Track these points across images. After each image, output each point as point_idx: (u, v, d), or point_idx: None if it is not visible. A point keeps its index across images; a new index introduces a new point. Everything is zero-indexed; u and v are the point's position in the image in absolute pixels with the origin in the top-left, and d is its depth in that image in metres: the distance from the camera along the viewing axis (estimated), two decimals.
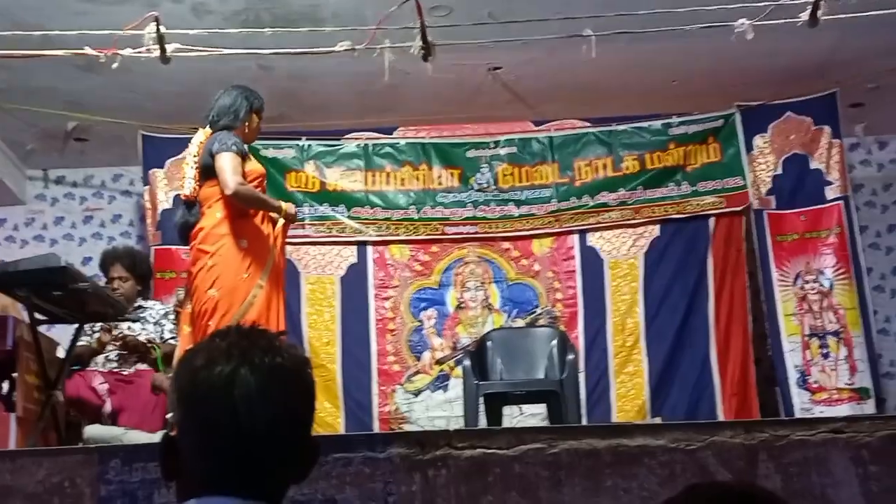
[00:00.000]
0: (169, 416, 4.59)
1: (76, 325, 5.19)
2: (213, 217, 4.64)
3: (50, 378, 4.91)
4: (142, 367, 5.73)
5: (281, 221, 4.83)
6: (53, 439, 4.92)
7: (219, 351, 1.48)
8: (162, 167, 7.49)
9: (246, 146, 4.81)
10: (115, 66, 5.34)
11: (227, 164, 4.57)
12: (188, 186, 4.77)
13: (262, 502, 1.46)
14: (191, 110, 7.27)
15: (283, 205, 4.90)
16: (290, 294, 7.30)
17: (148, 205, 7.50)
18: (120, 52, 5.31)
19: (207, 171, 4.68)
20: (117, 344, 5.70)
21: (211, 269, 4.57)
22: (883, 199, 8.40)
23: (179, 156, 7.40)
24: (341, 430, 6.98)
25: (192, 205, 4.78)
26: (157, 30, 5.20)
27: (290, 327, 7.13)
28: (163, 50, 5.25)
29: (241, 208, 4.65)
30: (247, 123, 4.88)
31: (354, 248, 7.50)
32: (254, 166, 4.87)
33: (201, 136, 4.84)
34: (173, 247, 7.29)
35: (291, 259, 7.42)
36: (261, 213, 4.75)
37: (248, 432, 1.44)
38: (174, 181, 7.45)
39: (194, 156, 4.80)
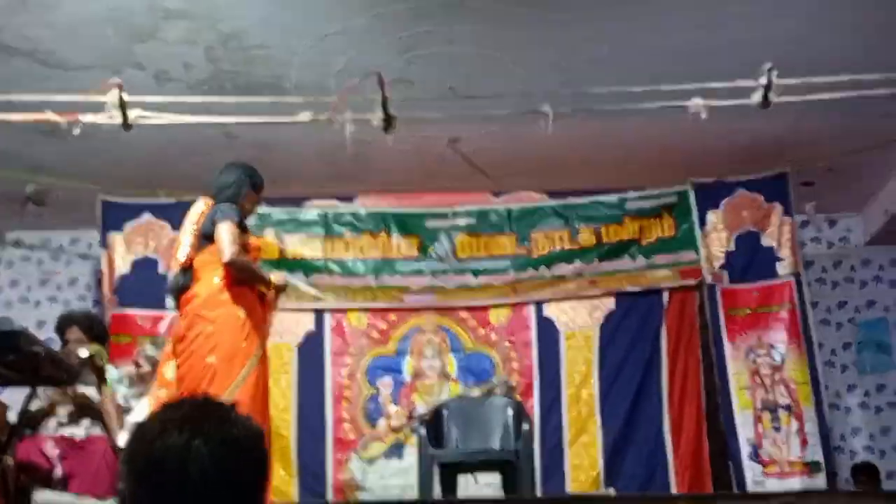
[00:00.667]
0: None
1: (28, 389, 5.14)
2: (210, 283, 4.66)
3: (0, 442, 4.85)
4: (94, 432, 5.66)
5: (271, 294, 4.87)
6: None
7: (172, 422, 1.49)
8: (121, 231, 7.47)
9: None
10: (76, 131, 5.35)
11: (226, 233, 4.64)
12: (183, 252, 4.80)
13: None
14: (152, 176, 7.35)
15: (273, 277, 4.94)
16: None
17: (105, 269, 7.47)
18: (81, 118, 5.32)
19: (207, 238, 4.73)
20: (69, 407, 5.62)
21: (210, 336, 4.56)
22: (833, 276, 8.56)
23: (139, 220, 7.45)
24: (295, 498, 6.93)
25: (186, 270, 4.79)
26: (120, 97, 5.22)
27: None
28: (125, 117, 5.26)
29: (237, 277, 4.67)
30: (246, 199, 4.94)
31: (312, 315, 7.50)
32: (251, 240, 4.97)
33: (202, 205, 4.91)
34: (129, 311, 7.27)
35: None
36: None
37: (201, 502, 1.45)
38: (133, 246, 7.44)
39: (193, 223, 4.85)
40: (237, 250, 4.62)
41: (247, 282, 4.72)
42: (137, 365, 5.45)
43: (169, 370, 4.81)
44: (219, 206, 4.80)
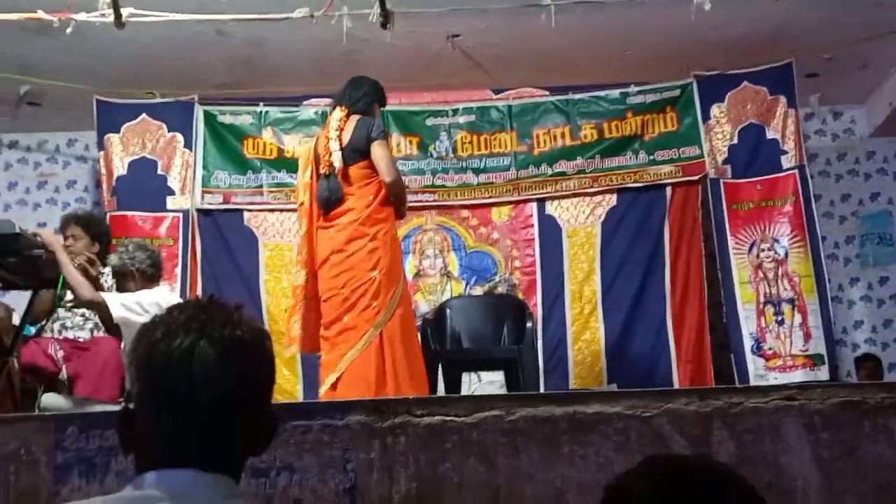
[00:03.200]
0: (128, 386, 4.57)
1: (31, 292, 5.14)
2: (367, 198, 4.84)
3: (5, 345, 4.87)
4: (98, 333, 5.67)
5: None
6: (9, 406, 4.88)
7: (177, 324, 1.49)
8: (117, 132, 7.40)
9: None
10: (68, 30, 5.26)
11: (383, 152, 4.83)
12: (337, 160, 4.88)
13: (221, 474, 1.47)
14: (146, 75, 7.25)
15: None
16: (249, 261, 7.32)
17: (103, 170, 7.42)
18: (73, 16, 5.23)
19: (359, 153, 4.85)
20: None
21: (373, 252, 4.78)
22: (837, 169, 8.52)
23: (135, 120, 7.37)
24: (300, 397, 6.98)
25: (336, 181, 4.90)
26: None
27: (249, 294, 7.16)
28: (117, 15, 5.18)
29: (391, 196, 4.86)
30: (374, 112, 5.09)
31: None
32: None
33: (339, 114, 4.99)
34: (129, 213, 7.25)
35: (250, 226, 7.41)
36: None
37: (207, 405, 1.45)
38: (130, 146, 7.38)
39: (336, 131, 4.93)
40: (397, 170, 4.89)
41: (395, 202, 4.91)
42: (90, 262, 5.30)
43: (299, 277, 5.06)
44: (370, 122, 4.95)
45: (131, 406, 1.52)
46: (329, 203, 4.90)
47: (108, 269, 5.38)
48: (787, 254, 7.22)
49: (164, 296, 5.11)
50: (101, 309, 4.86)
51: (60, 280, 4.79)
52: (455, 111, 7.63)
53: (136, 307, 4.85)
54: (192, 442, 1.46)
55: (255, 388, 1.53)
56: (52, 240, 5.02)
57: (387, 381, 4.75)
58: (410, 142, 7.53)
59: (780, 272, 7.20)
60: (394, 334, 4.81)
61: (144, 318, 4.76)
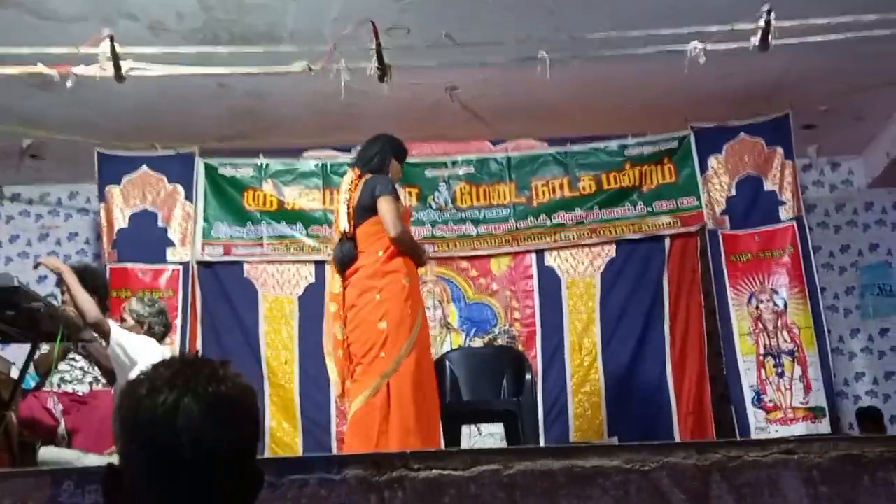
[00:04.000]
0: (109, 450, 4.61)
1: (30, 345, 5.13)
2: (375, 254, 4.97)
3: (3, 398, 4.85)
4: (98, 387, 5.66)
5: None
6: (6, 461, 4.86)
7: (162, 380, 1.49)
8: (118, 184, 7.44)
9: None
10: (69, 84, 5.30)
11: (388, 207, 4.95)
12: (344, 223, 5.06)
13: None
14: (147, 128, 7.30)
15: (426, 249, 5.32)
16: (249, 313, 7.31)
17: (104, 223, 7.44)
18: (74, 70, 5.27)
19: (367, 210, 5.00)
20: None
21: (380, 304, 4.88)
22: (836, 220, 8.53)
23: (136, 172, 7.41)
24: (299, 450, 6.95)
25: (349, 241, 5.05)
26: (112, 48, 5.17)
27: (248, 346, 7.15)
28: (118, 69, 5.22)
29: (400, 249, 4.98)
30: (391, 169, 5.20)
31: (312, 267, 7.47)
32: (403, 209, 5.19)
33: (351, 175, 5.18)
34: (129, 265, 7.25)
35: (250, 278, 7.41)
36: None
37: (192, 461, 1.44)
38: (131, 199, 7.41)
39: (346, 193, 5.11)
40: (402, 226, 4.96)
41: (408, 254, 5.01)
42: (122, 319, 5.43)
43: (338, 330, 5.15)
44: (377, 179, 5.07)
45: (116, 464, 1.51)
46: (343, 264, 5.04)
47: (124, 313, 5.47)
48: (786, 305, 7.22)
49: (158, 348, 5.17)
50: (103, 331, 5.04)
51: (60, 334, 4.81)
52: (454, 162, 7.67)
53: (133, 341, 5.06)
54: (181, 498, 1.46)
55: (240, 443, 1.52)
56: (58, 265, 5.08)
57: (390, 432, 4.79)
58: (409, 193, 7.55)
59: (779, 323, 7.20)
60: (403, 383, 4.84)
61: (134, 355, 4.77)
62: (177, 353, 5.99)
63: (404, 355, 4.83)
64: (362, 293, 4.94)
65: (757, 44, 5.25)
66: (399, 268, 4.97)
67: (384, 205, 4.95)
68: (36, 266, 4.85)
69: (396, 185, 5.22)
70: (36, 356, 5.35)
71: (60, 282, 5.55)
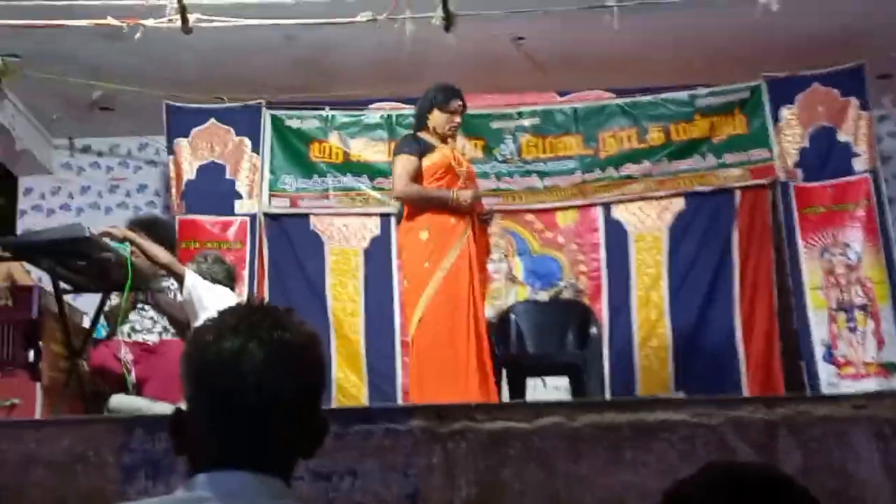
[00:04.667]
0: None
1: (100, 295, 5.23)
2: (402, 213, 5.27)
3: (75, 347, 4.95)
4: (167, 336, 5.75)
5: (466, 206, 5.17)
6: (79, 408, 4.97)
7: (227, 326, 1.50)
8: (187, 137, 7.49)
9: (436, 139, 5.28)
10: (137, 35, 5.34)
11: (396, 167, 5.23)
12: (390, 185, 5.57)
13: (271, 476, 1.48)
14: (214, 80, 7.33)
15: (453, 194, 5.17)
16: (315, 265, 7.36)
17: (173, 175, 7.51)
18: (142, 21, 5.31)
19: None
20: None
21: (404, 263, 5.26)
22: None
23: (204, 125, 7.46)
24: (364, 401, 7.01)
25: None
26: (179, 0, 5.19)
27: (314, 298, 7.21)
28: (185, 20, 5.25)
29: (415, 206, 5.19)
30: (435, 120, 5.27)
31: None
32: (436, 159, 5.24)
33: None
34: (198, 217, 7.33)
35: (316, 230, 7.45)
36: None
37: (256, 407, 1.46)
38: (199, 151, 7.47)
39: None
40: (403, 184, 5.15)
41: (427, 209, 5.14)
42: None
43: None
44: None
45: (183, 408, 1.53)
46: (398, 222, 5.39)
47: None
48: (859, 259, 7.07)
49: (231, 295, 5.23)
50: (176, 274, 5.19)
51: (128, 285, 4.88)
52: (520, 114, 7.60)
53: (207, 287, 5.18)
54: (243, 444, 1.48)
55: (305, 390, 1.53)
56: (123, 232, 5.17)
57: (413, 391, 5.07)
58: (475, 145, 7.51)
59: (852, 278, 7.05)
60: (421, 344, 5.05)
61: (207, 301, 4.86)
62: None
63: (420, 314, 5.01)
64: (398, 253, 5.35)
65: None
66: (417, 224, 5.14)
67: (395, 165, 5.24)
68: (102, 235, 4.92)
69: (450, 132, 5.30)
70: (106, 306, 5.45)
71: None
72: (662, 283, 7.29)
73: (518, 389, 6.05)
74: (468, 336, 5.02)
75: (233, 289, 5.54)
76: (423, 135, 5.31)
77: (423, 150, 5.24)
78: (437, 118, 5.26)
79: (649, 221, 7.43)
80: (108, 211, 8.37)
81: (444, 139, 5.30)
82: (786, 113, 7.34)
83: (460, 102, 5.33)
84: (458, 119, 5.33)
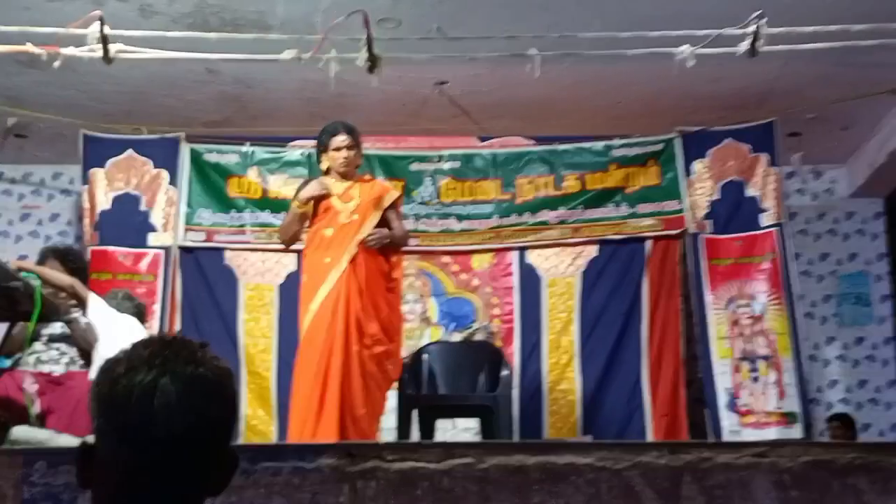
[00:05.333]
0: None
1: (6, 324, 5.12)
2: None
3: None
4: (74, 368, 5.64)
5: (308, 209, 5.30)
6: None
7: (140, 359, 1.48)
8: (103, 167, 7.40)
9: (337, 178, 5.34)
10: (56, 64, 5.27)
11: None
12: None
13: None
14: (134, 111, 7.28)
15: (294, 202, 5.37)
16: (228, 300, 7.31)
17: (86, 204, 7.41)
18: (62, 50, 5.25)
19: None
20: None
21: None
22: (816, 228, 8.59)
23: (121, 156, 7.39)
24: (273, 438, 6.95)
25: None
26: (101, 30, 5.15)
27: (226, 333, 7.15)
28: (106, 51, 5.20)
29: (289, 245, 5.54)
30: (323, 164, 5.40)
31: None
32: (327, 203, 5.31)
33: None
34: (110, 248, 7.23)
35: (230, 265, 7.41)
36: (315, 238, 5.26)
37: (166, 442, 1.44)
38: (115, 182, 7.39)
39: None
40: (280, 227, 5.53)
41: (294, 240, 5.46)
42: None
43: None
44: None
45: (90, 441, 1.51)
46: None
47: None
48: (764, 311, 7.25)
49: (136, 328, 5.19)
50: (79, 297, 5.17)
51: (36, 313, 4.79)
52: (440, 157, 7.67)
53: (112, 315, 5.16)
54: (150, 479, 1.45)
55: (217, 426, 1.52)
56: (29, 266, 5.10)
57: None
58: (394, 186, 7.54)
59: (756, 328, 7.23)
60: (292, 387, 5.23)
61: (109, 331, 4.80)
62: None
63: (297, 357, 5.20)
64: None
65: (746, 49, 5.28)
66: (303, 268, 5.37)
67: None
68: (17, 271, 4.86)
69: (342, 168, 5.30)
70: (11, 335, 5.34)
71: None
72: (573, 328, 7.39)
73: (428, 430, 6.06)
74: (320, 376, 4.97)
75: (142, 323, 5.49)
76: (325, 178, 5.37)
77: (303, 198, 5.36)
78: (329, 159, 5.32)
79: (563, 267, 7.53)
80: (18, 239, 8.23)
81: (344, 177, 5.31)
82: (698, 166, 7.52)
83: (343, 136, 5.30)
84: (344, 154, 5.28)
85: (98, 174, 7.39)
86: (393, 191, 5.63)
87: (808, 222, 8.58)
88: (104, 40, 5.20)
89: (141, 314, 5.57)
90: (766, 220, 7.40)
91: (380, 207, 5.30)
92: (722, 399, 7.15)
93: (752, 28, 5.20)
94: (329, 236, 5.20)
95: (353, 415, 4.95)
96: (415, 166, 7.63)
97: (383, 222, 5.29)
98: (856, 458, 3.42)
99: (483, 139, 7.76)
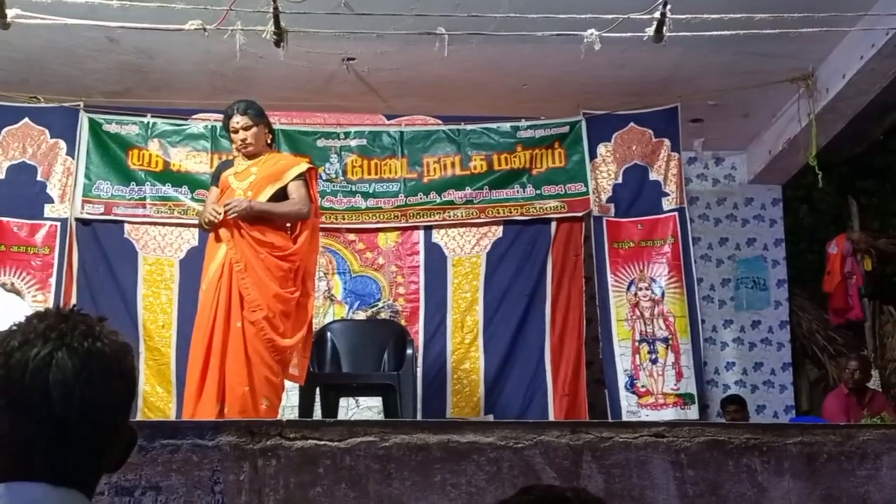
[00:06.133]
0: None
1: None
2: None
3: None
4: None
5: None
6: None
7: (36, 333, 1.44)
8: None
9: (231, 159, 5.50)
10: None
11: None
12: None
13: (72, 489, 1.43)
14: (31, 79, 7.08)
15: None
16: (127, 274, 7.16)
17: None
18: None
19: None
20: None
21: None
22: (716, 213, 8.77)
23: (17, 124, 7.17)
24: (173, 415, 6.84)
25: None
26: None
27: (125, 308, 7.00)
28: (3, 15, 5.03)
29: None
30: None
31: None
32: (222, 183, 5.34)
33: None
34: (4, 218, 7.03)
35: (130, 238, 7.25)
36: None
37: (62, 417, 1.40)
38: (10, 151, 7.17)
39: None
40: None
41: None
42: None
43: None
44: None
45: None
46: None
47: None
48: (663, 294, 7.38)
49: (16, 304, 5.10)
50: None
51: None
52: (347, 134, 7.61)
53: None
54: (45, 454, 1.41)
55: (114, 402, 1.48)
56: None
57: None
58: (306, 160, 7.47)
59: (655, 311, 7.36)
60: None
61: None
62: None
63: None
64: None
65: (651, 35, 5.35)
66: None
67: None
68: None
69: (240, 150, 5.31)
70: None
71: None
72: (478, 308, 7.42)
73: (331, 408, 6.04)
74: (202, 353, 4.99)
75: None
76: (232, 156, 5.44)
77: (221, 170, 5.44)
78: (231, 140, 5.36)
79: (468, 247, 7.55)
80: None
81: (248, 156, 5.30)
82: (602, 149, 7.60)
83: (237, 118, 5.25)
84: (241, 136, 5.25)
85: None
86: (302, 163, 5.51)
87: (708, 207, 8.76)
88: (1, 5, 5.03)
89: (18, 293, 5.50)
90: (667, 204, 7.53)
91: (280, 181, 5.23)
92: (621, 380, 7.26)
93: (657, 14, 5.26)
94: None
95: (235, 392, 4.89)
96: (321, 143, 7.56)
97: (284, 196, 5.21)
98: (750, 439, 3.51)
99: (389, 117, 7.73)
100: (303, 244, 5.23)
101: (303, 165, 5.43)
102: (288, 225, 5.28)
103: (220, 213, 5.03)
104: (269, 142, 5.40)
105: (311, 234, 5.34)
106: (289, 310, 5.11)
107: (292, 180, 5.24)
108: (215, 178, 5.46)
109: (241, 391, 4.89)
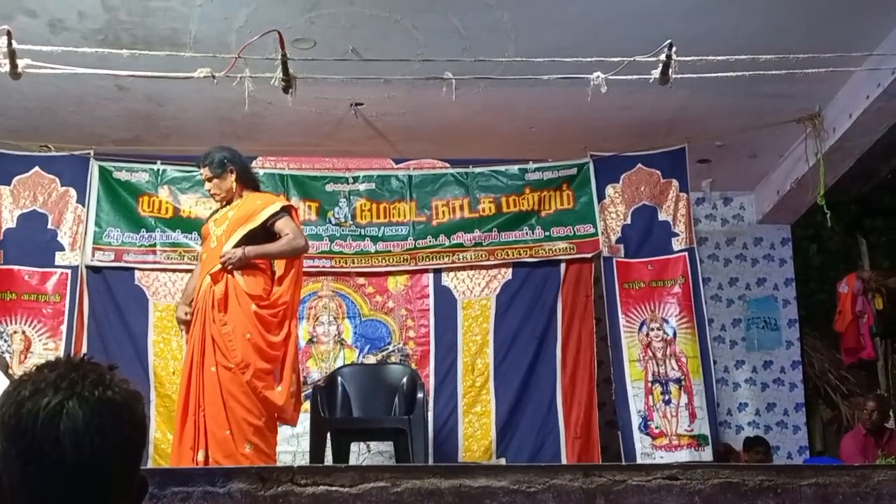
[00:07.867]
0: None
1: None
2: None
3: None
4: None
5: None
6: None
7: (47, 382, 1.44)
8: (8, 184, 7.22)
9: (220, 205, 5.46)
10: None
11: None
12: None
13: None
14: (42, 127, 7.12)
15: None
16: (138, 321, 7.16)
17: None
18: None
19: None
20: None
21: None
22: (726, 253, 8.76)
23: (28, 173, 7.21)
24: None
25: None
26: (9, 44, 5.03)
27: (136, 355, 7.00)
28: (13, 65, 5.07)
29: None
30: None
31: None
32: (206, 229, 5.46)
33: None
34: (16, 267, 7.05)
35: (140, 285, 7.27)
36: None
37: (73, 466, 1.40)
38: (21, 199, 7.21)
39: None
40: None
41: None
42: None
43: None
44: None
45: None
46: None
47: None
48: (675, 334, 7.36)
49: None
50: None
51: None
52: (355, 178, 7.64)
53: None
54: (57, 503, 1.41)
55: (125, 450, 1.48)
56: None
57: None
58: (309, 207, 7.50)
59: (668, 352, 7.33)
60: None
61: None
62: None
63: None
64: None
65: (657, 77, 5.37)
66: None
67: None
68: None
69: (216, 199, 5.47)
70: None
71: None
72: (488, 350, 7.40)
73: (342, 453, 6.01)
74: (182, 399, 5.05)
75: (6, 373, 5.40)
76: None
77: (208, 218, 5.54)
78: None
79: (477, 290, 7.55)
80: None
81: (225, 203, 5.37)
82: (610, 190, 7.63)
83: (201, 171, 5.44)
84: (206, 187, 5.43)
85: (3, 192, 7.22)
86: (276, 202, 5.38)
87: (717, 247, 8.76)
88: (12, 55, 5.08)
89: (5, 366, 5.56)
90: (677, 244, 7.53)
91: (251, 222, 5.18)
92: (635, 421, 7.22)
93: (663, 56, 5.29)
94: (203, 261, 5.34)
95: (216, 437, 4.87)
96: (329, 187, 7.59)
97: (269, 237, 5.20)
98: (764, 481, 3.47)
99: (397, 161, 7.76)
100: (287, 288, 5.23)
101: (277, 205, 5.33)
102: (274, 269, 5.29)
103: (189, 312, 5.22)
104: (243, 185, 5.35)
105: (297, 274, 5.33)
106: (270, 357, 5.08)
107: (276, 220, 5.20)
108: (203, 226, 5.58)
109: (221, 435, 4.87)
